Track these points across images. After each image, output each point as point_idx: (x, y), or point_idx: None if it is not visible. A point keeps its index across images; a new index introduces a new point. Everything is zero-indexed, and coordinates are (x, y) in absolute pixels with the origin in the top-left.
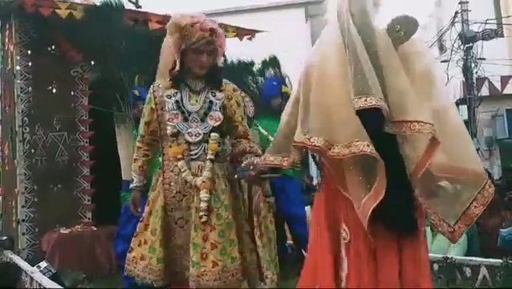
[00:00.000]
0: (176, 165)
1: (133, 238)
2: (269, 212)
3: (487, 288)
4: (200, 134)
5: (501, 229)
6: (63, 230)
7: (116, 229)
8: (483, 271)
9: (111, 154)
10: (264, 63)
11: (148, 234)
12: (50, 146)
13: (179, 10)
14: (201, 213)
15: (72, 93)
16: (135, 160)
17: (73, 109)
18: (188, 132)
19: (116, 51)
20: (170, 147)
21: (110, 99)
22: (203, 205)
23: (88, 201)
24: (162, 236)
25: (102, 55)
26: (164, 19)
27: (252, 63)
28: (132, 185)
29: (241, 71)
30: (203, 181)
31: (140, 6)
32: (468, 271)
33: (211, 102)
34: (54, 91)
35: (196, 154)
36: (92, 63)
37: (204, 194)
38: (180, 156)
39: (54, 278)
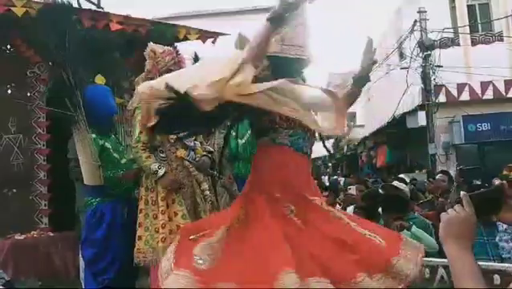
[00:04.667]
0: (179, 164)
1: (155, 234)
2: None
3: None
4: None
5: None
6: (18, 236)
7: (74, 234)
8: (440, 272)
9: (67, 157)
10: None
11: (180, 219)
12: (5, 149)
13: (144, 11)
14: (208, 198)
15: (28, 94)
16: (149, 157)
17: (29, 111)
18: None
19: (72, 52)
20: (174, 152)
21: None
22: (208, 193)
23: (45, 205)
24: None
25: (58, 56)
26: (126, 20)
27: None
28: (161, 172)
29: None
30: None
31: (102, 8)
32: (427, 272)
33: None
34: (9, 92)
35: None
36: (50, 63)
37: (206, 185)
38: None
39: (7, 286)
